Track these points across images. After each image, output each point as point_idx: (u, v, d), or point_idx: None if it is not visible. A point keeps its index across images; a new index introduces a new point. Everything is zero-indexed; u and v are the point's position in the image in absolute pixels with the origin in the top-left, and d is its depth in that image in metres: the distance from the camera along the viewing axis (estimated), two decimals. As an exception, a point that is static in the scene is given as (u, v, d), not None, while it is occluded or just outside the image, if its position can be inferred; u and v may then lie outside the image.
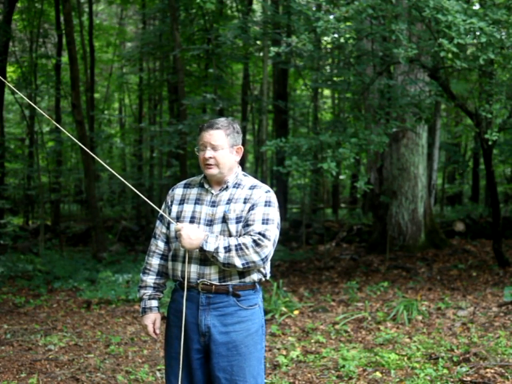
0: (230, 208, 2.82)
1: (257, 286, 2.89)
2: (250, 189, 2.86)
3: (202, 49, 13.41)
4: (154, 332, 2.96)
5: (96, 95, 21.13)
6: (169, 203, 2.96)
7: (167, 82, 17.02)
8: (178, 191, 2.98)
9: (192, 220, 2.85)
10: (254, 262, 2.73)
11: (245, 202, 2.82)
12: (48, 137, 18.68)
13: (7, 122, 20.16)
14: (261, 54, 15.63)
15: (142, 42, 16.63)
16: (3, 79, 2.69)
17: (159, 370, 5.01)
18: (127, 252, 12.91)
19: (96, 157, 2.94)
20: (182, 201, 2.93)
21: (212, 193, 2.89)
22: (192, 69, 17.21)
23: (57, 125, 2.92)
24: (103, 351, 5.62)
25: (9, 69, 16.20)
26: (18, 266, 10.19)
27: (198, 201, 2.89)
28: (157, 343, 5.88)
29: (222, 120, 2.89)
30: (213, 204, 2.86)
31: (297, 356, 5.29)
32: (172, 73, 15.42)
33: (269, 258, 2.78)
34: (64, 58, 16.88)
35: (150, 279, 2.96)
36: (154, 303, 2.96)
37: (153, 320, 2.96)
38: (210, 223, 2.83)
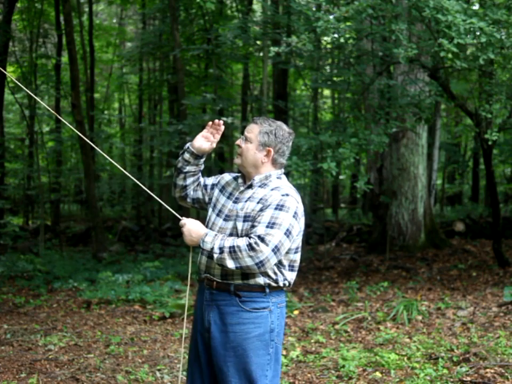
0: (243, 206, 2.79)
1: (268, 290, 2.78)
2: (271, 190, 2.80)
3: (202, 49, 13.42)
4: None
5: (96, 95, 21.12)
6: (216, 181, 3.00)
7: (167, 82, 17.03)
8: (226, 177, 3.01)
9: (219, 213, 2.87)
10: (247, 266, 2.64)
11: (258, 202, 2.77)
12: (48, 137, 18.67)
13: (7, 122, 20.15)
14: (261, 54, 15.62)
15: (142, 42, 16.63)
16: (11, 76, 2.70)
17: (159, 370, 5.01)
18: (127, 252, 12.90)
19: (100, 151, 2.96)
20: (222, 189, 2.96)
21: (240, 190, 2.89)
22: (192, 69, 17.20)
23: (63, 119, 2.95)
24: (103, 351, 5.61)
25: (9, 69, 16.19)
26: (18, 266, 10.18)
27: (229, 195, 2.91)
28: (156, 343, 5.88)
29: (265, 119, 2.88)
30: (236, 200, 2.86)
31: (297, 356, 5.29)
32: (172, 73, 15.43)
33: (267, 264, 2.66)
34: (64, 58, 16.88)
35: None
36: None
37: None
38: (228, 218, 2.83)
